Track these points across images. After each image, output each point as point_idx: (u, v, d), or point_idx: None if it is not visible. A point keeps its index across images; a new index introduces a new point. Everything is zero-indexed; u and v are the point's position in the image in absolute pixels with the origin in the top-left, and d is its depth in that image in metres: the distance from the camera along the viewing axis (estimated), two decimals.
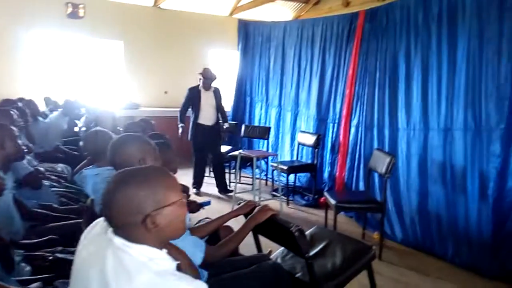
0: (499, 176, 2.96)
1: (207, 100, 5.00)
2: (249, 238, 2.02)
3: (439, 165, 3.41)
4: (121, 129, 3.55)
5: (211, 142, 5.04)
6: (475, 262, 3.03)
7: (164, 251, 1.07)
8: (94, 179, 2.08)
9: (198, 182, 5.13)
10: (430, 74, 3.49)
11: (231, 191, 4.88)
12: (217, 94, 5.07)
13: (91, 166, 2.28)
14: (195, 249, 1.55)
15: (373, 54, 4.18)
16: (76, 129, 5.24)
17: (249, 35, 6.53)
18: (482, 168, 3.08)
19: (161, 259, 1.02)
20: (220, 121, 5.14)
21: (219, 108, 5.10)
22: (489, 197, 3.01)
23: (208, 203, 2.56)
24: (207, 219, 2.15)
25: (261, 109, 6.27)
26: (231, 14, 7.58)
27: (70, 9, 6.37)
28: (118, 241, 1.00)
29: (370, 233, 3.73)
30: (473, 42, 3.13)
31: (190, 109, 5.05)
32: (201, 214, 2.59)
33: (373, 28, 4.19)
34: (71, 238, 1.88)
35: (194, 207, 2.51)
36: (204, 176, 5.22)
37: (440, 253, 3.28)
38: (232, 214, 1.99)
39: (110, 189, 1.02)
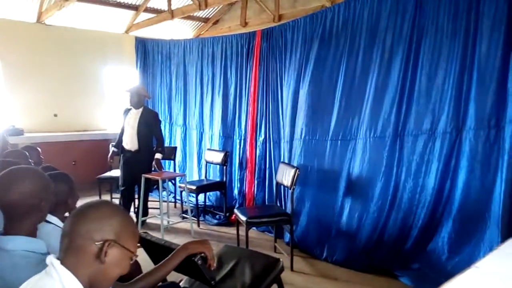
0: (382, 188, 3.29)
1: (129, 120, 4.40)
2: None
3: (326, 174, 3.68)
4: None
5: (136, 170, 4.31)
6: (367, 262, 3.28)
7: None
8: None
9: None
10: (318, 88, 3.76)
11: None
12: (146, 115, 4.40)
13: None
14: None
15: (271, 71, 4.37)
16: None
17: (148, 52, 6.32)
18: (366, 179, 3.39)
19: None
20: (149, 147, 4.48)
21: (152, 133, 4.45)
22: (370, 206, 3.32)
23: None
24: None
25: (164, 128, 6.06)
26: (127, 31, 7.26)
27: None
28: (52, 260, 0.97)
29: (283, 245, 3.80)
30: (345, 59, 3.52)
31: None
32: None
33: (269, 47, 4.38)
34: None
35: None
36: (129, 211, 4.56)
37: (338, 259, 3.41)
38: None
39: (86, 208, 1.03)
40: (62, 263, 0.97)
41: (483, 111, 2.77)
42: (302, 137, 3.87)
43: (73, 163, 6.05)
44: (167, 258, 1.54)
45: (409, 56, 3.14)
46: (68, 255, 0.98)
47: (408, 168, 3.18)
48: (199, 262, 1.60)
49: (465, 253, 2.80)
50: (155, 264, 1.84)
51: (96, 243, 0.98)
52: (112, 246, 0.99)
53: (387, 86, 3.25)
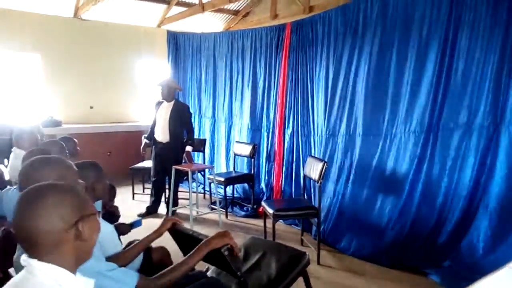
0: (415, 183, 3.21)
1: (161, 113, 4.53)
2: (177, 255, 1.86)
3: (356, 168, 3.63)
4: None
5: (167, 162, 4.45)
6: (397, 259, 3.22)
7: (79, 276, 0.98)
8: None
9: (152, 207, 4.66)
10: (351, 82, 3.69)
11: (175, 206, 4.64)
12: (177, 107, 4.51)
13: (13, 188, 2.16)
14: (123, 283, 1.36)
15: (301, 64, 4.33)
16: None
17: (179, 46, 6.42)
18: (398, 173, 3.31)
19: (72, 285, 0.94)
20: (180, 140, 4.58)
21: (182, 125, 4.56)
22: (402, 201, 3.25)
23: (138, 223, 2.39)
24: (137, 241, 1.97)
25: (194, 121, 6.15)
26: (159, 25, 7.40)
27: None
28: (27, 260, 0.92)
29: (310, 239, 3.80)
30: (380, 52, 3.42)
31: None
32: (133, 235, 2.43)
33: (299, 40, 4.33)
34: None
35: (124, 228, 2.33)
36: (160, 201, 4.74)
37: (366, 254, 3.37)
38: (154, 236, 1.83)
39: (25, 204, 0.94)
40: (41, 260, 0.92)
41: None
42: (337, 132, 3.82)
43: (108, 153, 6.28)
44: (190, 253, 1.57)
45: (446, 48, 3.02)
46: (44, 253, 0.93)
47: (443, 162, 3.09)
48: (226, 253, 1.63)
49: (500, 251, 2.70)
50: (183, 252, 1.90)
51: (69, 231, 0.94)
52: (82, 221, 0.97)
53: (423, 79, 3.15)
